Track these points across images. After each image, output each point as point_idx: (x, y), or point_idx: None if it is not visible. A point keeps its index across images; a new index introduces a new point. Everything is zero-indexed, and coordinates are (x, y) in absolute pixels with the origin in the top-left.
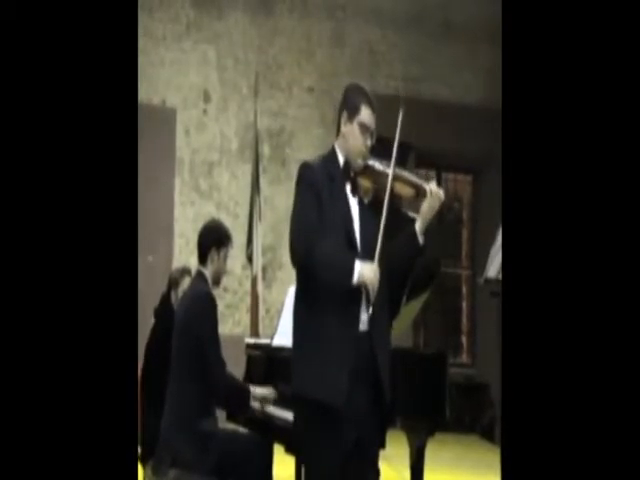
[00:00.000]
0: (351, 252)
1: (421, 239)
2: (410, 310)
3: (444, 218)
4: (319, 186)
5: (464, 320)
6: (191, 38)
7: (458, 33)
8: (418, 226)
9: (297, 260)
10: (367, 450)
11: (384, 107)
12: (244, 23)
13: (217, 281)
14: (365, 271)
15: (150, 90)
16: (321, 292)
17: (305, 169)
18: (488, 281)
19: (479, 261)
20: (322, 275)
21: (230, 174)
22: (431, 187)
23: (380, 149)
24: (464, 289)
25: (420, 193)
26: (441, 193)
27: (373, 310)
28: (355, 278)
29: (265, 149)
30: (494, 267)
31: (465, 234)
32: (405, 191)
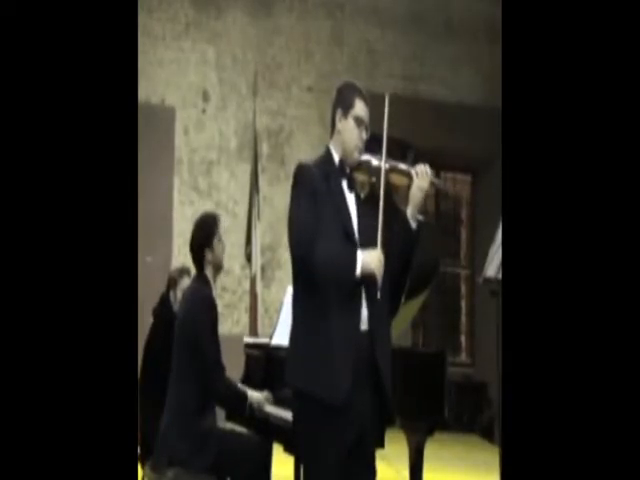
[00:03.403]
0: (350, 246)
1: (414, 224)
2: (409, 309)
3: (441, 210)
4: (315, 185)
5: (463, 319)
6: (190, 37)
7: (457, 32)
8: (409, 211)
9: (298, 261)
10: (366, 449)
11: (382, 106)
12: (243, 23)
13: (219, 268)
14: (368, 259)
15: (149, 89)
16: (321, 290)
17: (300, 170)
18: (487, 280)
19: (478, 261)
20: (325, 272)
21: (229, 173)
22: (417, 169)
23: (375, 146)
24: (463, 288)
25: (412, 179)
26: (428, 171)
27: (374, 306)
28: (358, 269)
29: (264, 148)
30: (493, 266)
31: (464, 234)
32: (400, 180)
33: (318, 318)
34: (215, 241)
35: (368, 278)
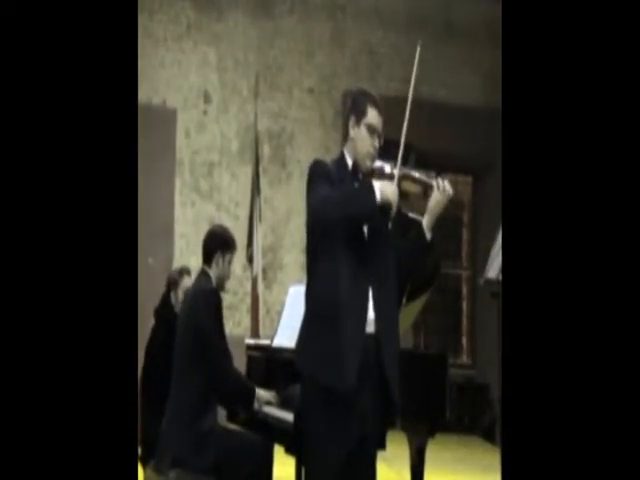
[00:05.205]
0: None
1: (429, 235)
2: (410, 311)
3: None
4: (331, 178)
5: (464, 321)
6: (191, 39)
7: (459, 34)
8: (425, 222)
9: (317, 215)
10: (367, 450)
11: (384, 108)
12: (244, 24)
13: (221, 285)
14: (385, 188)
15: (150, 91)
16: (331, 288)
17: (317, 164)
18: (488, 282)
19: (479, 262)
20: (345, 211)
21: (230, 175)
22: (439, 182)
23: (384, 151)
24: (464, 290)
25: (427, 190)
26: (449, 187)
27: (381, 309)
28: (378, 196)
29: (265, 150)
30: (494, 268)
31: (465, 235)
32: (413, 189)
33: (328, 313)
34: (229, 253)
35: (385, 207)
